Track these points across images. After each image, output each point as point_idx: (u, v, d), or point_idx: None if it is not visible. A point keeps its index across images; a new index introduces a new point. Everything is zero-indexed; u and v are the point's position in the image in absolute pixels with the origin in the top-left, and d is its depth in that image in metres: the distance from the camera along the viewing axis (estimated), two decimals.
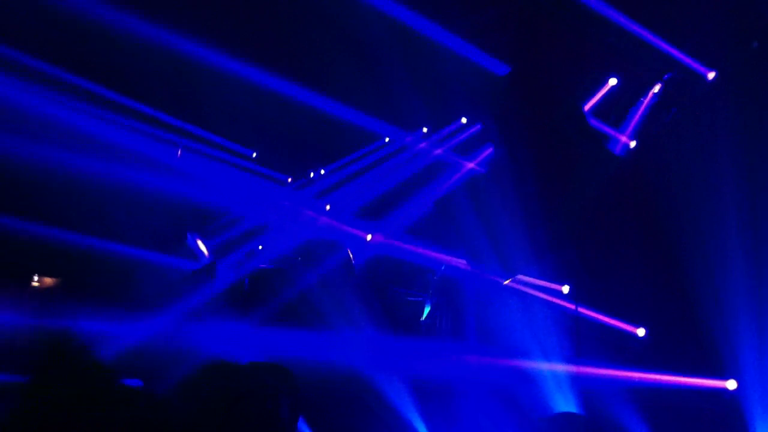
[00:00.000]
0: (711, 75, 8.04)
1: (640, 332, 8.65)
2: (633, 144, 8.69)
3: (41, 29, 7.02)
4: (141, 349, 6.55)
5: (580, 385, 8.26)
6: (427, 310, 8.69)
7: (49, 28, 7.02)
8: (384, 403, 7.45)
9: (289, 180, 9.89)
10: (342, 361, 7.12)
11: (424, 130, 9.61)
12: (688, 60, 8.11)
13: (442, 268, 8.69)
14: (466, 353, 8.05)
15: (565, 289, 8.94)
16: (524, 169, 8.58)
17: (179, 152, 8.30)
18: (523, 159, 8.41)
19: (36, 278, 9.07)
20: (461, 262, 8.70)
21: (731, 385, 8.07)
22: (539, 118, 8.31)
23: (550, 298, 8.81)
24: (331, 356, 6.44)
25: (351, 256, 8.18)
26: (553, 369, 8.26)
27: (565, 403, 8.01)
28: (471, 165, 9.08)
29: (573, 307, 8.69)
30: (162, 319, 6.76)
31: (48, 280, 9.23)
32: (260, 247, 8.43)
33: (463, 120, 9.39)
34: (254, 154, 9.66)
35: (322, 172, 9.87)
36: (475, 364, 8.03)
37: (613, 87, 8.86)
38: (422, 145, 9.51)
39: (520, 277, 8.66)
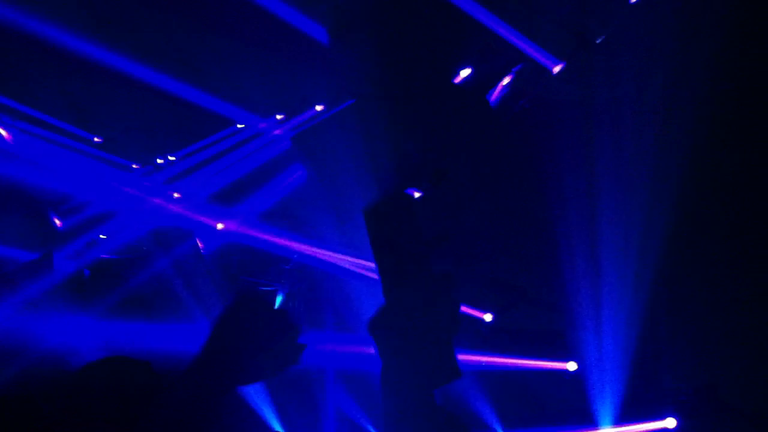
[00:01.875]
0: (557, 68, 8.34)
1: (487, 317, 8.94)
2: None
3: None
4: None
5: None
6: (279, 299, 8.58)
7: None
8: (237, 395, 7.29)
9: (134, 167, 9.46)
10: (187, 353, 6.91)
11: (278, 117, 9.46)
12: (536, 52, 8.34)
13: (295, 256, 8.62)
14: (322, 342, 8.03)
15: None
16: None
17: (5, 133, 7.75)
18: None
19: None
20: (316, 250, 8.65)
21: (571, 366, 8.49)
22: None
23: None
24: (176, 347, 6.22)
25: (200, 244, 7.95)
26: None
27: None
28: None
29: None
30: None
31: None
32: (102, 237, 8.03)
33: (318, 108, 9.32)
34: (95, 139, 9.17)
35: (172, 158, 9.51)
36: (332, 352, 8.02)
37: (465, 77, 9.03)
38: (277, 131, 9.36)
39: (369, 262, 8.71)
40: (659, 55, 7.63)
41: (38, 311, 6.53)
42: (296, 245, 8.65)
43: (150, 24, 7.93)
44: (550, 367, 8.59)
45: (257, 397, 7.30)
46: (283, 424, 7.50)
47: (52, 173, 7.87)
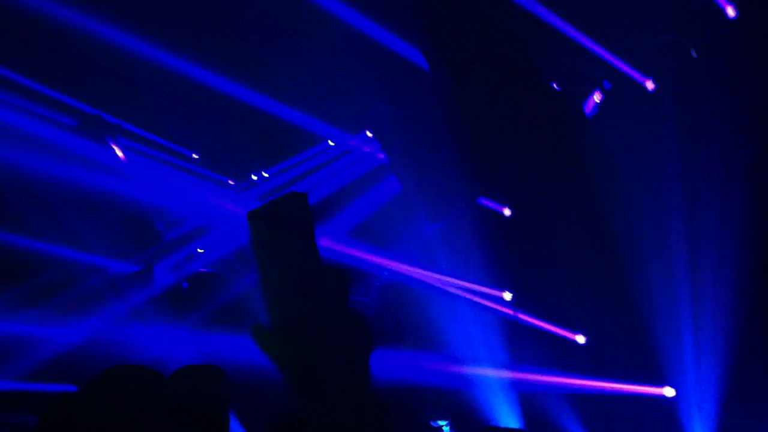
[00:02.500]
0: (650, 84, 8.18)
1: (580, 339, 8.74)
2: None
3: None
4: (77, 353, 6.34)
5: (518, 391, 8.31)
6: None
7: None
8: None
9: (231, 182, 9.73)
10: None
11: (368, 133, 9.58)
12: (627, 69, 8.22)
13: (385, 273, 8.66)
14: (407, 359, 8.03)
15: (507, 295, 8.98)
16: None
17: (119, 152, 8.08)
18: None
19: None
20: (404, 267, 8.68)
21: (668, 392, 8.20)
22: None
23: (489, 304, 8.84)
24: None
25: None
26: (491, 375, 8.29)
27: (503, 410, 8.04)
28: None
29: (513, 313, 8.75)
30: (98, 322, 6.57)
31: None
32: (200, 251, 8.27)
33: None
34: (194, 155, 9.48)
35: (265, 174, 9.74)
36: (415, 369, 8.01)
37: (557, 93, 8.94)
38: (366, 148, 9.47)
39: (460, 282, 8.67)
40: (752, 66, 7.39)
41: (139, 320, 6.77)
42: (385, 261, 8.70)
43: (245, 44, 8.15)
44: (645, 392, 8.32)
45: None
46: None
47: (153, 188, 8.16)
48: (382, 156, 9.29)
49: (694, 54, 7.82)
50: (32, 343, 6.81)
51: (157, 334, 6.62)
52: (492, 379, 8.26)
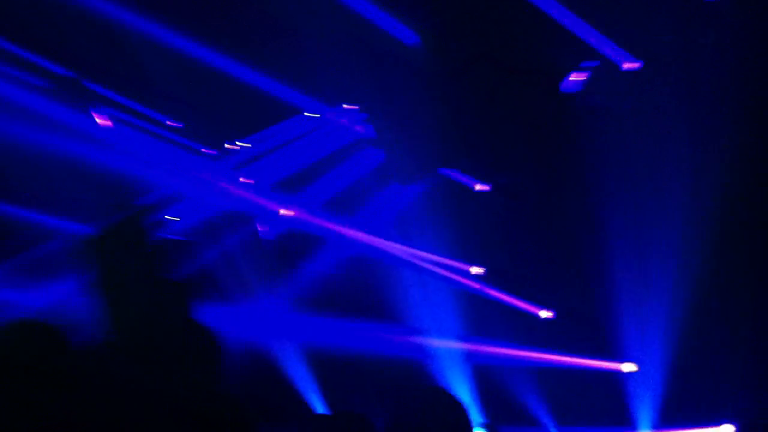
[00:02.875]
0: (627, 65, 8.15)
1: (544, 314, 8.93)
2: None
3: None
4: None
5: (477, 363, 8.50)
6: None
7: None
8: (283, 376, 7.52)
9: (204, 151, 9.75)
10: (244, 334, 7.16)
11: (344, 105, 9.61)
12: (616, 50, 8.18)
13: (356, 244, 8.78)
14: (367, 329, 8.18)
15: (475, 269, 9.13)
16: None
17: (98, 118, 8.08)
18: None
19: None
20: (375, 239, 8.80)
21: (627, 367, 8.41)
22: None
23: (456, 277, 8.99)
24: (234, 329, 6.44)
25: (259, 229, 8.17)
26: (454, 347, 8.46)
27: (460, 382, 8.23)
28: None
29: (478, 286, 8.91)
30: (62, 288, 6.63)
31: None
32: (173, 218, 8.33)
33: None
34: (168, 122, 9.48)
35: (241, 144, 9.77)
36: (375, 338, 8.17)
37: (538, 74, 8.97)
38: (343, 120, 9.51)
39: (429, 255, 8.81)
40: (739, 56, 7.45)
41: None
42: (357, 233, 8.82)
43: (224, 14, 8.15)
44: (605, 367, 8.53)
45: (300, 377, 7.52)
46: (325, 405, 7.70)
47: (126, 155, 8.19)
48: (359, 128, 9.37)
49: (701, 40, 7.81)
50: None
51: None
52: (454, 351, 8.44)
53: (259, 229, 8.30)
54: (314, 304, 8.18)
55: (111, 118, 8.43)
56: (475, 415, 7.61)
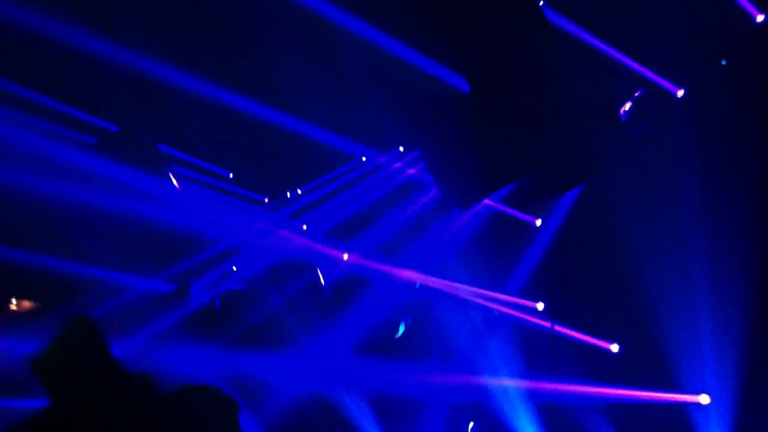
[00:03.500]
0: (680, 93, 8.15)
1: (614, 348, 8.71)
2: None
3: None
4: None
5: (548, 402, 8.32)
6: (401, 329, 8.73)
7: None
8: (349, 424, 7.47)
9: (266, 200, 9.93)
10: (310, 382, 7.17)
11: (401, 149, 9.69)
12: (656, 78, 8.21)
13: (416, 286, 8.75)
14: (433, 372, 8.10)
15: (540, 306, 9.00)
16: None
17: (173, 179, 8.26)
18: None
19: (14, 302, 9.06)
20: (432, 281, 8.76)
21: (704, 399, 8.12)
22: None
23: (521, 315, 8.87)
24: (299, 378, 6.46)
25: (321, 276, 8.22)
26: (520, 386, 8.30)
27: (530, 424, 8.07)
28: None
29: (547, 324, 8.75)
30: (133, 343, 6.77)
31: (26, 304, 9.22)
32: (234, 269, 8.45)
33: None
34: (231, 175, 9.70)
35: (299, 191, 9.92)
36: (442, 382, 8.08)
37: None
38: (397, 164, 9.59)
39: (489, 293, 8.73)
40: None
41: (173, 340, 6.96)
42: (416, 276, 8.79)
43: (275, 67, 8.32)
44: (680, 400, 8.26)
45: (366, 428, 7.46)
46: None
47: (187, 208, 8.35)
48: (412, 171, 9.41)
49: (723, 62, 7.78)
50: None
51: (189, 354, 6.81)
52: (522, 390, 8.29)
53: (319, 275, 8.35)
54: (375, 348, 8.16)
55: (178, 177, 8.62)
56: None
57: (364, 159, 9.82)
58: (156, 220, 7.94)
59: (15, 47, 7.10)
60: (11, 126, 7.31)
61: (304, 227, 9.43)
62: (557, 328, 8.72)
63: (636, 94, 8.52)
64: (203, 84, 8.15)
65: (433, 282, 8.78)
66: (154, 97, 8.21)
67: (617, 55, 7.97)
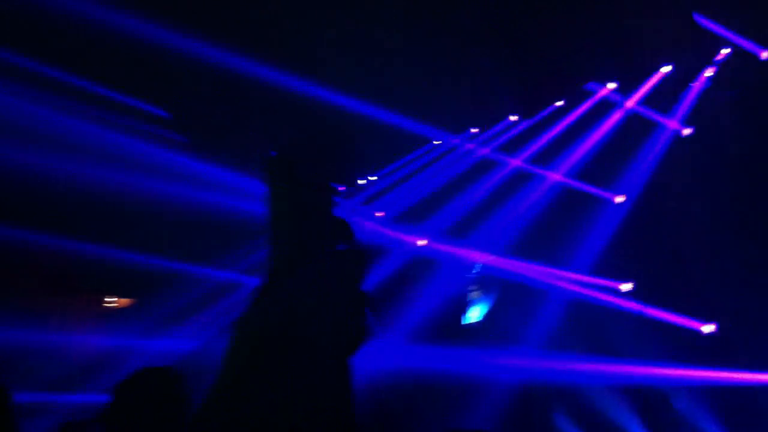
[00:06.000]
0: (765, 54, 7.62)
1: (707, 329, 8.17)
2: (687, 131, 8.28)
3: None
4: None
5: (637, 385, 7.91)
6: (483, 309, 8.52)
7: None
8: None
9: (340, 189, 9.88)
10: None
11: (473, 130, 9.46)
12: (740, 40, 7.72)
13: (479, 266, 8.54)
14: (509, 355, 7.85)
15: (625, 287, 8.55)
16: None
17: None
18: None
19: (109, 299, 9.35)
20: (508, 262, 8.49)
21: None
22: None
23: (604, 296, 8.45)
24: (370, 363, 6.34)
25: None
26: (608, 371, 7.93)
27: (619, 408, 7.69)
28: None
29: (635, 305, 8.32)
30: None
31: (123, 301, 9.50)
32: None
33: (512, 118, 9.23)
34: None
35: (372, 178, 9.83)
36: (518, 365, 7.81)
37: (665, 74, 8.50)
38: (470, 145, 9.36)
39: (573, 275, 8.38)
40: None
41: None
42: (480, 255, 8.57)
43: (348, 56, 8.21)
44: None
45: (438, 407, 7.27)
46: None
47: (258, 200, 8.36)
48: (484, 150, 9.19)
49: None
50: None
51: None
52: (608, 374, 7.93)
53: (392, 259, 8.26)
54: (451, 332, 7.98)
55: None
56: None
57: (435, 143, 9.65)
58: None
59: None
60: (98, 125, 7.51)
61: (380, 214, 9.34)
62: (643, 308, 8.28)
63: (719, 59, 8.03)
64: (272, 72, 8.14)
65: (509, 264, 8.51)
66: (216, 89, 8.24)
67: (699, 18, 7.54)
